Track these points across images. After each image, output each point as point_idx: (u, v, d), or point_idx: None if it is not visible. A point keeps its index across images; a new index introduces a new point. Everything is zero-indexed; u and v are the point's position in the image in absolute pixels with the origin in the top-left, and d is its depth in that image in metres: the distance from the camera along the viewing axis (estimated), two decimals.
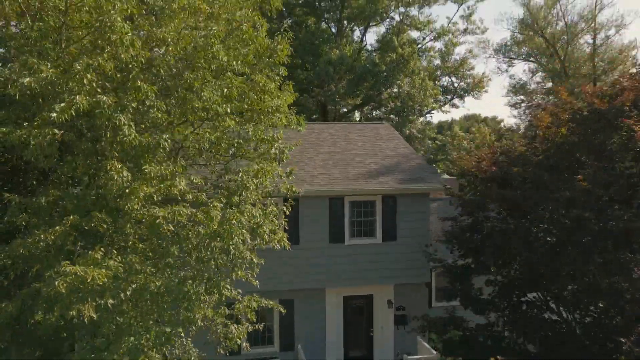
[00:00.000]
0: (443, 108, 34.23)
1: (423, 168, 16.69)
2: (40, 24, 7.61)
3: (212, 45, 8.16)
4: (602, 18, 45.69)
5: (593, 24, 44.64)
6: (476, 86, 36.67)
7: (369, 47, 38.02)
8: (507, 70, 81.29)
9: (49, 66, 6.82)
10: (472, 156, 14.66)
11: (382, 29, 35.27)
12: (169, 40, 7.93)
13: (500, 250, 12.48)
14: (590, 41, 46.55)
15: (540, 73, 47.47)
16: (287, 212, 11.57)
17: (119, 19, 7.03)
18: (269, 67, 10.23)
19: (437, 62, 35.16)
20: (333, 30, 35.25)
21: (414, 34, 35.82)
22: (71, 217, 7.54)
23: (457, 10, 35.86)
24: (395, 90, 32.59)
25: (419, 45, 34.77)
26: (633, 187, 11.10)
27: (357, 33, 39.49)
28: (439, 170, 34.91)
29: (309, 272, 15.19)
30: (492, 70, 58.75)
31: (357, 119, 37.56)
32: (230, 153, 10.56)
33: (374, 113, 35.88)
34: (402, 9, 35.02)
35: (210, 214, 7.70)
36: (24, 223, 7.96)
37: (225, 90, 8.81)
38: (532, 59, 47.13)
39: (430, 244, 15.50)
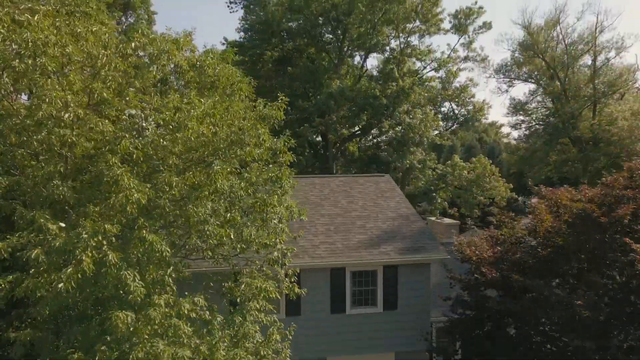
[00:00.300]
0: (443, 140, 34.24)
1: (424, 233, 16.76)
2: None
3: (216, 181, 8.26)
4: (602, 39, 45.44)
5: (593, 47, 44.60)
6: (477, 113, 36.70)
7: (370, 72, 38.09)
8: (507, 91, 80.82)
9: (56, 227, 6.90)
10: (472, 250, 14.65)
11: (383, 55, 35.20)
12: (174, 183, 8.01)
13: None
14: (591, 62, 46.60)
15: (540, 94, 47.47)
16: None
17: (125, 176, 7.12)
18: (271, 182, 10.31)
19: (438, 86, 35.17)
20: (334, 56, 35.19)
21: (414, 60, 35.83)
22: (76, 355, 7.65)
23: (458, 41, 35.66)
24: (395, 121, 32.64)
25: (420, 75, 34.78)
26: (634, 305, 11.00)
27: (357, 58, 39.56)
28: (439, 200, 35.00)
29: (310, 343, 15.28)
30: (492, 90, 58.47)
31: (357, 147, 37.63)
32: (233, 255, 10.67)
33: (375, 141, 35.97)
34: (402, 38, 35.01)
35: (215, 356, 7.78)
36: None
37: (229, 215, 8.90)
38: (532, 80, 47.11)
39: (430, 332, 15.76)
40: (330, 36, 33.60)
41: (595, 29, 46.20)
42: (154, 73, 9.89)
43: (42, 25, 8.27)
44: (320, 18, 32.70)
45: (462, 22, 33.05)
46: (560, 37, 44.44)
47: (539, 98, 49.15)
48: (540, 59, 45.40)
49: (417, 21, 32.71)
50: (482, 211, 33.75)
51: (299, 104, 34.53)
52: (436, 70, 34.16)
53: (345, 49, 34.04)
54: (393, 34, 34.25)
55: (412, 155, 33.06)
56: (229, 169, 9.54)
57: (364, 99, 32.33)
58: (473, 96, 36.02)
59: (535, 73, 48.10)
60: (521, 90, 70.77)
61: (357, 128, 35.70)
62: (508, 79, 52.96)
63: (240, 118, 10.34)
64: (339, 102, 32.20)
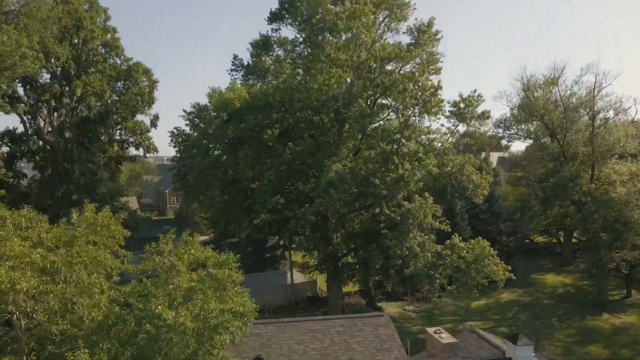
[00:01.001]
0: (442, 225, 34.58)
1: None
2: None
3: None
4: (601, 103, 45.69)
5: (592, 108, 44.89)
6: (477, 188, 37.00)
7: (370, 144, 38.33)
8: (507, 146, 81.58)
9: None
10: None
11: (382, 137, 35.41)
12: None
13: None
14: (589, 122, 46.86)
15: (540, 154, 47.81)
16: None
17: None
18: None
19: (437, 169, 35.48)
20: (333, 140, 35.52)
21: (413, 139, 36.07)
22: None
23: (457, 126, 35.91)
24: (395, 207, 33.00)
25: (419, 154, 35.05)
26: None
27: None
28: (438, 281, 35.38)
29: None
30: (492, 145, 58.90)
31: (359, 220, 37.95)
32: None
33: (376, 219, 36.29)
34: (402, 118, 35.29)
35: None
36: None
37: None
38: (531, 140, 47.52)
39: None
40: (331, 122, 33.93)
41: (594, 89, 46.57)
42: None
43: None
44: (321, 107, 33.07)
45: (461, 110, 33.33)
46: (559, 100, 44.81)
47: (538, 154, 49.67)
48: (540, 120, 45.77)
49: (417, 108, 33.06)
50: (481, 292, 34.04)
51: (298, 186, 34.95)
52: (437, 155, 34.41)
53: (344, 134, 34.37)
54: (393, 115, 34.61)
55: (412, 241, 33.45)
56: None
57: (364, 184, 32.70)
58: (473, 173, 36.18)
59: (533, 129, 48.46)
60: (521, 146, 71.35)
61: (357, 205, 36.09)
62: (508, 133, 53.36)
63: None
64: (339, 189, 32.55)
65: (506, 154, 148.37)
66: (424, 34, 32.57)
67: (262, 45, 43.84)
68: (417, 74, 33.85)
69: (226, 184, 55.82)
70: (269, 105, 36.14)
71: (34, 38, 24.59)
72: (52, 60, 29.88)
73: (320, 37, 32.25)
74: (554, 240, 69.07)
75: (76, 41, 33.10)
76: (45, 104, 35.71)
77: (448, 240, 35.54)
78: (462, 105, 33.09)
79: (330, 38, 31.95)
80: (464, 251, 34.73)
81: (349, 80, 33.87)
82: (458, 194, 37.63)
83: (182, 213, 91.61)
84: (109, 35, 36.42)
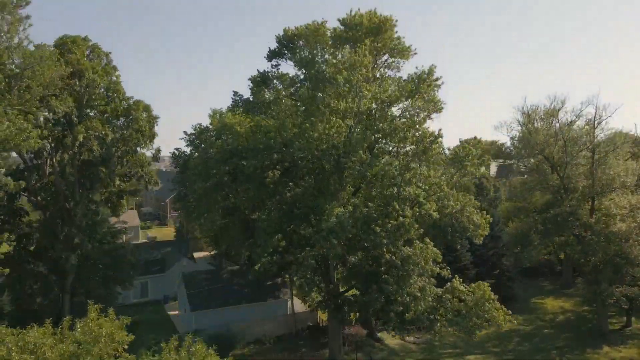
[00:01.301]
0: (443, 271, 34.67)
1: None
2: None
3: None
4: (601, 135, 45.73)
5: (591, 141, 44.95)
6: (477, 229, 37.09)
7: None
8: (506, 178, 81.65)
9: None
10: None
11: (382, 181, 35.51)
12: None
13: None
14: (589, 154, 46.93)
15: (538, 186, 47.91)
16: None
17: None
18: None
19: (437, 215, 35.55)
20: (334, 187, 35.65)
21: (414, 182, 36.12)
22: None
23: (457, 172, 35.96)
24: (395, 254, 33.10)
25: (420, 199, 35.13)
26: None
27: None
28: (439, 324, 35.50)
29: None
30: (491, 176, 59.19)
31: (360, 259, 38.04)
32: None
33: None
34: (402, 161, 35.35)
35: None
36: None
37: None
38: (531, 172, 47.56)
39: None
40: (331, 169, 34.05)
41: (594, 121, 46.65)
42: None
43: None
44: (321, 155, 33.20)
45: (461, 158, 33.39)
46: (559, 133, 44.83)
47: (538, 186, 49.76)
48: (540, 154, 45.85)
49: (417, 156, 33.13)
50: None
51: (299, 231, 35.08)
52: (437, 202, 34.48)
53: (345, 180, 34.48)
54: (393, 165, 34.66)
55: (412, 286, 33.57)
56: None
57: (364, 230, 32.82)
58: (472, 214, 36.25)
59: (534, 161, 48.51)
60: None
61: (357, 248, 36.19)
62: (507, 163, 53.36)
63: None
64: (340, 235, 32.68)
65: (507, 162, 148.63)
66: (424, 82, 32.64)
67: (260, 81, 44.00)
68: (420, 116, 33.93)
69: (227, 210, 56.03)
70: (269, 147, 36.27)
71: (36, 95, 24.77)
72: (55, 111, 29.97)
73: (320, 85, 32.29)
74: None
75: (78, 88, 33.18)
76: (47, 145, 35.83)
77: (449, 283, 35.66)
78: (461, 153, 33.16)
79: (330, 85, 31.98)
80: (465, 294, 34.85)
81: (349, 124, 33.95)
82: (459, 234, 37.72)
83: (182, 227, 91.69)
84: (111, 78, 36.56)
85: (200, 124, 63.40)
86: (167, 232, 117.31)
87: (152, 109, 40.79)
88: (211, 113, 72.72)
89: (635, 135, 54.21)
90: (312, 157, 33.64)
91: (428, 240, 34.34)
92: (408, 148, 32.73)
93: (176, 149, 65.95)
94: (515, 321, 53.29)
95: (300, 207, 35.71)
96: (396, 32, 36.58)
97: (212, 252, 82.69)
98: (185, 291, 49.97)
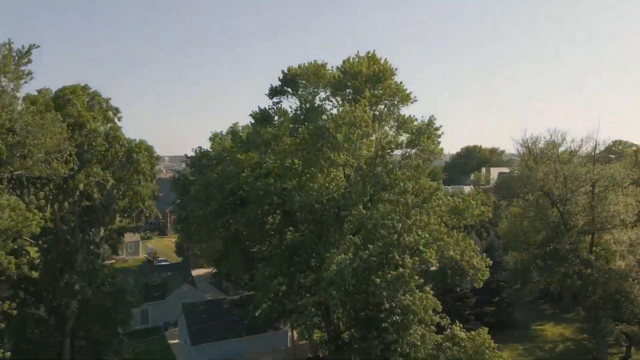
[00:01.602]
0: (443, 320, 34.77)
1: None
2: None
3: None
4: (601, 169, 45.69)
5: (591, 178, 44.91)
6: (477, 273, 37.17)
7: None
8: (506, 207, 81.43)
9: None
10: None
11: (382, 232, 35.61)
12: None
13: None
14: (590, 188, 46.91)
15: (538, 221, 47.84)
16: None
17: None
18: None
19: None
20: (334, 238, 35.75)
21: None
22: None
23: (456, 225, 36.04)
24: (395, 304, 33.23)
25: (420, 247, 35.20)
26: None
27: None
28: None
29: None
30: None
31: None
32: None
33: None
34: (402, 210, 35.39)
35: None
36: None
37: None
38: (530, 208, 47.37)
39: None
40: (331, 221, 34.15)
41: (594, 156, 46.58)
42: None
43: None
44: (321, 208, 33.31)
45: (461, 209, 33.45)
46: (559, 170, 44.71)
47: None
48: (540, 190, 45.80)
49: (417, 208, 33.19)
50: None
51: (300, 279, 35.21)
52: (436, 251, 34.58)
53: (344, 229, 34.56)
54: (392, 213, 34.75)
55: (412, 335, 33.65)
56: None
57: (364, 281, 32.92)
58: (472, 257, 36.32)
59: (533, 197, 48.37)
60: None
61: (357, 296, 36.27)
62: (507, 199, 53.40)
63: None
64: (340, 287, 32.77)
65: (507, 169, 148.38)
66: (424, 135, 32.69)
67: (262, 118, 44.00)
68: (418, 162, 34.02)
69: (228, 239, 56.13)
70: (269, 192, 36.38)
71: (38, 161, 24.88)
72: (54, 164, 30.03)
73: (320, 140, 32.35)
74: None
75: (79, 139, 33.24)
76: (48, 191, 35.91)
77: (449, 330, 35.74)
78: (461, 206, 33.20)
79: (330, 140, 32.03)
80: (465, 341, 34.93)
81: (349, 173, 34.03)
82: (458, 277, 37.78)
83: (182, 244, 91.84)
84: (111, 125, 36.66)
85: (200, 147, 63.86)
86: (167, 244, 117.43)
87: (154, 150, 40.91)
88: (212, 136, 73.05)
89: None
90: (312, 208, 33.72)
91: (428, 289, 34.41)
92: (409, 198, 32.75)
93: (177, 171, 65.75)
94: (515, 352, 54.37)
95: (301, 253, 35.83)
96: (395, 78, 36.60)
97: (213, 270, 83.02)
98: (185, 323, 50.11)
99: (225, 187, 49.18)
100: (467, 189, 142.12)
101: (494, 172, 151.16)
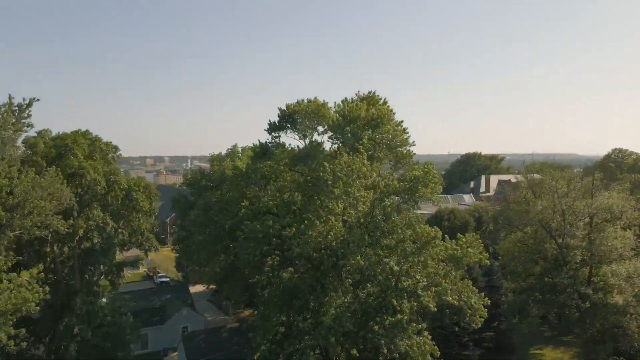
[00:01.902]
0: None
1: None
2: None
3: None
4: (600, 202, 45.81)
5: (589, 215, 45.08)
6: (475, 313, 37.30)
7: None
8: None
9: None
10: None
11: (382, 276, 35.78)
12: None
13: None
14: (588, 219, 47.06)
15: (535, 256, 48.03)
16: None
17: None
18: None
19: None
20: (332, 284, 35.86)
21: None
22: None
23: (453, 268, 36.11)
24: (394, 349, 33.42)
25: (418, 291, 35.33)
26: None
27: None
28: None
29: None
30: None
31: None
32: None
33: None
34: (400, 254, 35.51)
35: None
36: None
37: None
38: (528, 239, 47.64)
39: None
40: (329, 268, 34.30)
41: (592, 188, 46.67)
42: None
43: None
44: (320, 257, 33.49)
45: (458, 257, 33.58)
46: (558, 203, 44.91)
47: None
48: (538, 224, 45.97)
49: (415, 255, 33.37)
50: None
51: (298, 323, 35.32)
52: (435, 294, 34.75)
53: (342, 277, 34.71)
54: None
55: None
56: None
57: (362, 327, 33.09)
58: (471, 298, 36.45)
59: (530, 230, 48.52)
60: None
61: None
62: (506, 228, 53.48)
63: None
64: (338, 333, 32.93)
65: (507, 177, 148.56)
66: (421, 183, 32.79)
67: (261, 153, 44.12)
68: (416, 212, 34.16)
69: (227, 267, 56.29)
70: (268, 235, 36.49)
71: (37, 222, 25.09)
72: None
73: (318, 190, 32.50)
74: None
75: (79, 189, 33.39)
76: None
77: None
78: (458, 254, 33.32)
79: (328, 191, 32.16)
80: None
81: (347, 219, 34.16)
82: (456, 317, 37.91)
83: (181, 261, 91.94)
84: (111, 168, 36.83)
85: (200, 166, 64.07)
86: (167, 254, 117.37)
87: (153, 188, 41.04)
88: (211, 157, 73.06)
89: None
90: (310, 257, 33.87)
91: (426, 334, 34.58)
92: (407, 245, 32.91)
93: (178, 190, 65.85)
94: None
95: (300, 296, 35.94)
96: (394, 118, 36.66)
97: (212, 287, 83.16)
98: (185, 354, 50.36)
99: (226, 212, 49.43)
100: (467, 197, 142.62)
101: (494, 179, 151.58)
